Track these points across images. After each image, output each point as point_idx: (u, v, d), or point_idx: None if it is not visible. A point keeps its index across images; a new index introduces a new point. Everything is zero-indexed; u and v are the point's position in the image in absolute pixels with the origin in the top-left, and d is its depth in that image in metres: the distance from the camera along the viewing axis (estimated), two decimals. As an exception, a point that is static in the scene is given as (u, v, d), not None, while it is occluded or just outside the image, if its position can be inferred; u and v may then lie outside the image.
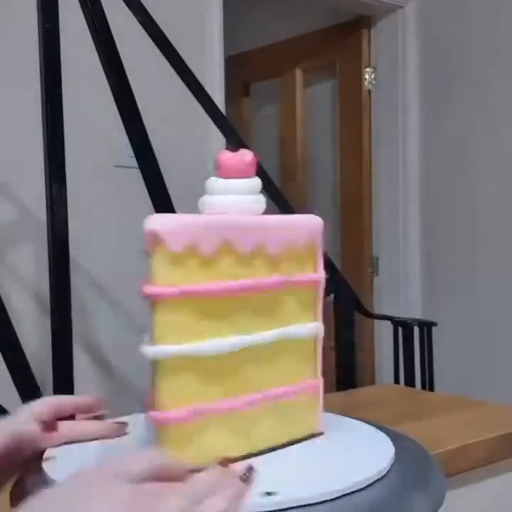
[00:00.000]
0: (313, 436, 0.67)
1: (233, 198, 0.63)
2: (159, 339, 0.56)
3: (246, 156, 0.64)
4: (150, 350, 0.56)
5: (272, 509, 0.52)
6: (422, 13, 2.99)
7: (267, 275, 0.62)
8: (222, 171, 0.63)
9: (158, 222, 0.56)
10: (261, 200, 0.65)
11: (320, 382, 0.69)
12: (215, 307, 0.58)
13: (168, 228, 0.56)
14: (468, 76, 2.83)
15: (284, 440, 0.64)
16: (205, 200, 0.64)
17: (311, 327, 0.67)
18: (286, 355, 0.65)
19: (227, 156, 0.64)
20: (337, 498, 0.54)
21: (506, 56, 2.71)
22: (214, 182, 0.63)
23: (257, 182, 0.65)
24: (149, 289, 0.55)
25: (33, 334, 1.95)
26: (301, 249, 0.66)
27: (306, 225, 0.67)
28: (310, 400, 0.68)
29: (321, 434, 0.68)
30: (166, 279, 0.56)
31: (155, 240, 0.55)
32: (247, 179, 0.64)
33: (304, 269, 0.66)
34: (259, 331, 0.62)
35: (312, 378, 0.69)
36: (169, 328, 0.56)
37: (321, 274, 0.68)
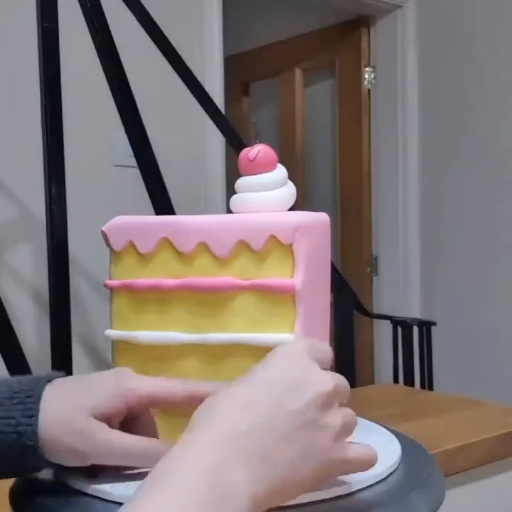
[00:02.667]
0: None
1: (252, 194, 0.63)
2: (112, 323, 0.64)
3: (252, 151, 0.64)
4: (107, 331, 0.65)
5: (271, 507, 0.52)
6: (422, 13, 2.99)
7: (212, 275, 0.60)
8: (241, 169, 0.64)
9: (108, 223, 0.65)
10: (282, 195, 0.65)
11: None
12: (156, 301, 0.63)
13: (112, 228, 0.64)
14: (468, 75, 2.83)
15: None
16: (233, 199, 0.64)
17: (275, 338, 0.58)
18: (247, 362, 0.59)
19: (243, 153, 0.64)
20: (337, 497, 0.54)
21: (506, 55, 2.71)
22: (249, 179, 0.63)
23: (273, 175, 0.64)
24: (106, 281, 0.65)
25: (33, 334, 1.95)
26: (265, 251, 0.59)
27: (266, 225, 0.60)
28: None
29: None
30: (114, 274, 0.65)
31: (105, 238, 0.65)
32: (262, 174, 0.64)
33: (268, 273, 0.59)
34: (207, 331, 0.60)
35: None
36: (118, 315, 0.64)
37: (294, 280, 0.59)
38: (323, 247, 0.65)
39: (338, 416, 0.47)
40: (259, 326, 0.60)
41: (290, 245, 0.59)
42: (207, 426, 0.43)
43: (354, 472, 0.50)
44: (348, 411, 0.49)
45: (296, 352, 0.49)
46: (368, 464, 0.50)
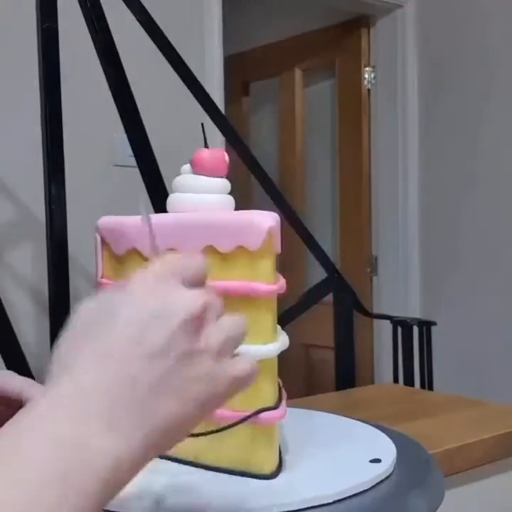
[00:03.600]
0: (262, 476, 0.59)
1: (208, 196, 0.62)
2: None
3: (225, 155, 0.63)
4: None
5: (273, 511, 0.52)
6: (422, 13, 2.99)
7: None
8: (201, 169, 0.62)
9: (101, 222, 0.65)
10: (231, 201, 0.64)
11: (278, 413, 0.59)
12: None
13: (99, 227, 0.65)
14: (467, 75, 2.83)
15: (222, 464, 0.60)
16: (179, 197, 0.62)
17: (253, 350, 0.55)
18: None
19: (206, 154, 0.63)
20: (338, 500, 0.54)
21: (506, 55, 2.70)
22: (194, 180, 0.62)
23: (228, 182, 0.64)
24: (98, 280, 0.66)
25: (32, 334, 1.95)
26: (234, 254, 0.56)
27: (233, 226, 0.57)
28: (256, 432, 0.59)
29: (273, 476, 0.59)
30: (107, 274, 0.65)
31: (99, 238, 0.64)
32: (222, 178, 0.63)
33: (239, 277, 0.56)
34: None
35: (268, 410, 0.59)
36: None
37: (270, 286, 0.55)
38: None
39: (216, 334, 0.42)
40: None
41: (262, 248, 0.56)
42: (61, 386, 0.39)
43: (243, 389, 0.44)
44: (228, 322, 0.44)
45: (152, 278, 0.42)
46: (252, 377, 0.44)
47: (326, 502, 0.54)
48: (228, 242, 0.57)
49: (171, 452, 0.57)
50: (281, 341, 0.59)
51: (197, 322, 0.41)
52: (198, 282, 0.44)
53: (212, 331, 0.42)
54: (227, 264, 0.57)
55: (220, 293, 0.54)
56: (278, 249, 0.57)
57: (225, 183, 0.63)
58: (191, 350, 0.40)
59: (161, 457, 0.53)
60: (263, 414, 0.57)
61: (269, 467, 0.59)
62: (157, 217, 0.61)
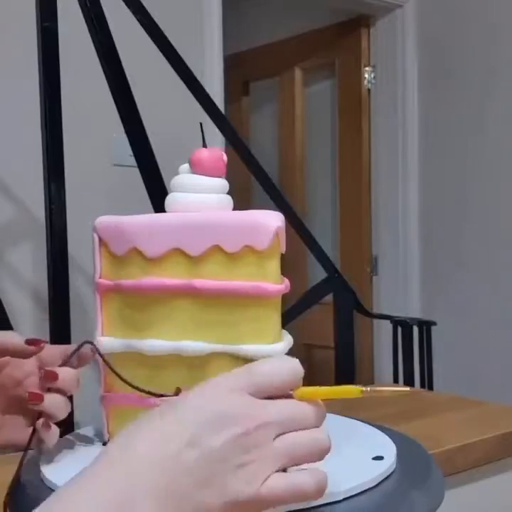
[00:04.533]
0: None
1: (207, 196, 0.62)
2: (100, 328, 0.64)
3: (223, 154, 0.63)
4: (96, 337, 0.64)
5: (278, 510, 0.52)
6: (422, 13, 2.99)
7: (185, 277, 0.58)
8: (200, 168, 0.62)
9: (99, 222, 0.62)
10: (230, 201, 0.64)
11: None
12: (140, 309, 0.60)
13: (96, 228, 0.63)
14: (467, 75, 2.83)
15: None
16: (178, 197, 0.62)
17: (249, 349, 0.55)
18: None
19: (205, 154, 0.63)
20: (339, 501, 0.54)
21: (506, 55, 2.71)
22: (192, 179, 0.62)
23: (226, 182, 0.64)
24: (96, 280, 0.63)
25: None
26: (241, 254, 0.56)
27: (240, 226, 0.57)
28: None
29: None
30: (105, 274, 0.62)
31: (97, 238, 0.62)
32: (221, 178, 0.63)
33: (245, 276, 0.56)
34: (193, 339, 0.58)
35: None
36: (106, 318, 0.64)
37: (277, 286, 0.56)
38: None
39: (266, 456, 0.43)
40: (244, 337, 0.57)
41: (266, 248, 0.56)
42: (121, 456, 0.43)
43: (285, 504, 0.45)
44: (291, 440, 0.44)
45: (226, 386, 0.44)
46: (302, 495, 0.45)
47: (323, 503, 0.54)
48: (235, 241, 0.56)
49: None
50: (287, 340, 0.59)
51: (248, 440, 0.43)
52: (272, 389, 0.45)
53: (264, 450, 0.43)
54: (234, 264, 0.57)
55: (227, 294, 0.55)
56: (283, 249, 0.58)
57: (223, 183, 0.63)
58: (234, 462, 0.42)
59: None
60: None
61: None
62: (161, 217, 0.60)
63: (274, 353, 0.56)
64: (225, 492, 0.42)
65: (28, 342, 0.60)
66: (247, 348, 0.56)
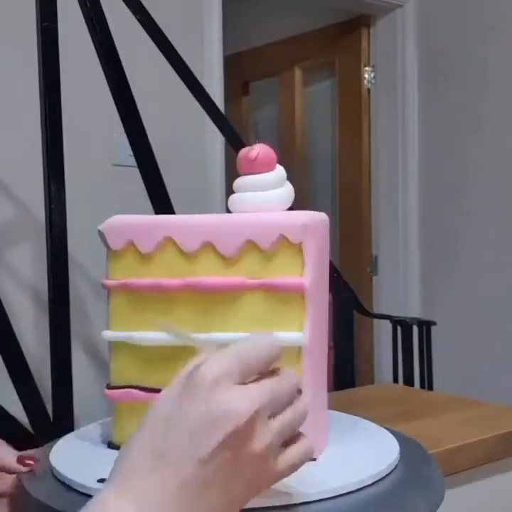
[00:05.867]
0: None
1: (252, 194, 0.63)
2: (109, 324, 0.64)
3: (253, 151, 0.63)
4: (103, 332, 0.65)
5: (272, 505, 0.52)
6: (422, 12, 2.98)
7: (219, 274, 0.60)
8: (240, 168, 0.64)
9: (105, 222, 0.64)
10: (280, 195, 0.64)
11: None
12: (157, 301, 0.62)
13: (109, 227, 0.64)
14: (467, 74, 2.83)
15: None
16: (233, 198, 0.64)
17: (285, 337, 0.58)
18: None
19: (242, 153, 0.63)
20: (337, 496, 0.54)
21: (506, 55, 2.70)
22: (248, 179, 0.63)
23: (273, 175, 0.64)
24: (103, 281, 0.65)
25: (32, 333, 1.95)
26: (274, 250, 0.60)
27: (276, 224, 0.60)
28: None
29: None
30: (112, 273, 0.64)
31: (102, 237, 0.64)
32: (262, 174, 0.63)
33: (277, 272, 0.59)
34: (212, 330, 0.60)
35: None
36: (116, 315, 0.64)
37: (304, 279, 0.59)
38: (325, 247, 0.65)
39: (265, 437, 0.44)
40: (266, 325, 0.59)
41: (300, 244, 0.59)
42: (118, 482, 0.43)
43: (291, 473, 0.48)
44: (281, 419, 0.46)
45: (208, 383, 0.44)
46: (304, 460, 0.48)
47: (323, 498, 0.54)
48: (268, 238, 0.59)
49: None
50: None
51: (247, 428, 0.43)
52: (261, 370, 0.46)
53: (262, 434, 0.44)
54: (267, 260, 0.60)
55: (261, 286, 0.58)
56: (315, 244, 0.62)
57: (273, 177, 0.64)
58: (238, 457, 0.43)
59: None
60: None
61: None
62: (195, 217, 0.62)
63: (302, 339, 0.59)
64: (241, 485, 0.44)
65: (20, 460, 0.62)
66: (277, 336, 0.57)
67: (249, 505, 0.46)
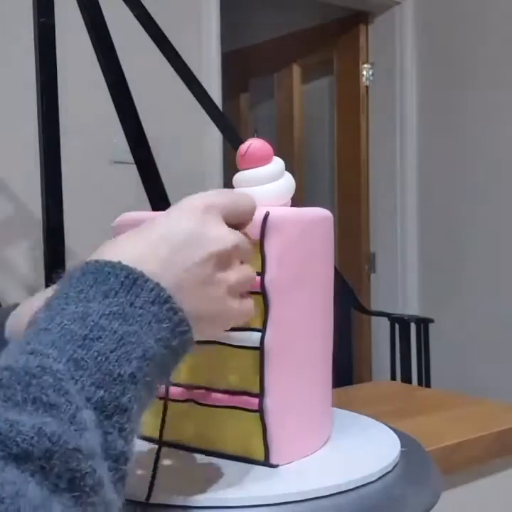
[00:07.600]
0: (257, 462, 0.58)
1: (248, 189, 0.62)
2: None
3: (243, 145, 0.63)
4: None
5: (272, 502, 0.52)
6: (420, 9, 2.98)
7: None
8: (237, 164, 0.63)
9: (118, 219, 0.65)
10: (277, 188, 0.63)
11: (266, 407, 0.57)
12: None
13: (123, 224, 0.63)
14: (466, 72, 2.83)
15: (210, 447, 0.60)
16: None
17: (240, 336, 0.57)
18: (228, 361, 0.59)
19: (242, 148, 0.63)
20: (337, 493, 0.54)
21: (505, 52, 2.70)
22: (246, 174, 0.63)
23: (267, 169, 0.63)
24: None
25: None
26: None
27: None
28: (248, 420, 0.58)
29: (273, 465, 0.58)
30: None
31: (114, 234, 0.62)
32: (256, 168, 0.62)
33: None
34: None
35: (250, 395, 0.58)
36: None
37: (266, 276, 0.57)
38: (310, 244, 0.62)
39: (233, 274, 0.48)
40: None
41: (259, 240, 0.56)
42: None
43: (239, 323, 0.51)
44: (246, 270, 0.50)
45: (201, 208, 0.48)
46: (250, 316, 0.51)
47: (323, 495, 0.54)
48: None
49: (173, 437, 0.59)
50: None
51: (222, 259, 0.47)
52: (240, 220, 0.51)
53: (234, 269, 0.48)
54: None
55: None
56: (281, 242, 0.61)
57: (270, 170, 0.63)
58: (213, 277, 0.47)
59: (163, 444, 0.53)
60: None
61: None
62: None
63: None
64: (208, 304, 0.47)
65: None
66: (235, 334, 0.57)
67: (252, 502, 0.45)
